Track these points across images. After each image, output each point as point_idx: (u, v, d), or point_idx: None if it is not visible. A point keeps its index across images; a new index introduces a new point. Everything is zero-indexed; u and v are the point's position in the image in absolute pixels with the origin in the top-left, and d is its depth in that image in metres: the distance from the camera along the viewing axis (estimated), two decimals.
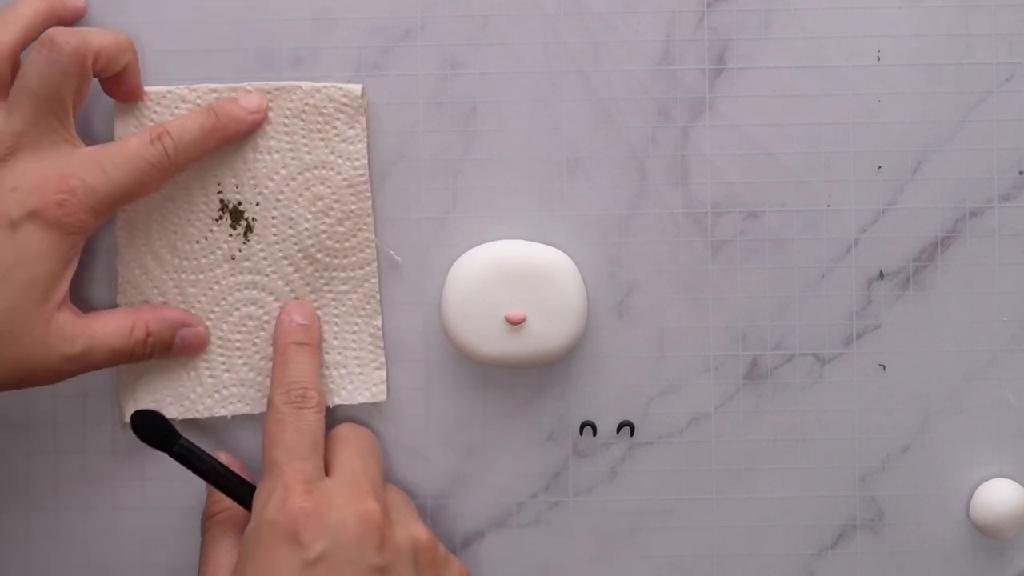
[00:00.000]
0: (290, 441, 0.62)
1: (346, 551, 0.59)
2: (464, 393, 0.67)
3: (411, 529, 0.62)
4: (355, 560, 0.60)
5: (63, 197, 0.61)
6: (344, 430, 0.65)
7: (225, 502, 0.64)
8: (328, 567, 0.59)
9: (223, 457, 0.64)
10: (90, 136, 0.66)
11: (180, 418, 0.66)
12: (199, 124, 0.64)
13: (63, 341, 0.62)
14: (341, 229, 0.66)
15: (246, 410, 0.66)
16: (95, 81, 0.64)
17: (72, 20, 0.65)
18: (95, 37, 0.62)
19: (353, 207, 0.66)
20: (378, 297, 0.66)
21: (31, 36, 0.63)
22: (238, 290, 0.66)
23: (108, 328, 0.63)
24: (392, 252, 0.66)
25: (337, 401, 0.66)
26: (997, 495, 0.65)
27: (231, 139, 0.65)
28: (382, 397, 0.66)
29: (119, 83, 0.64)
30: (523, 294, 0.64)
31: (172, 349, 0.65)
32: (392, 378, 0.66)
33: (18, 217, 0.61)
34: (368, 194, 0.66)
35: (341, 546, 0.59)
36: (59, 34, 0.61)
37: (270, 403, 0.63)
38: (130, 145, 0.63)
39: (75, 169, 0.62)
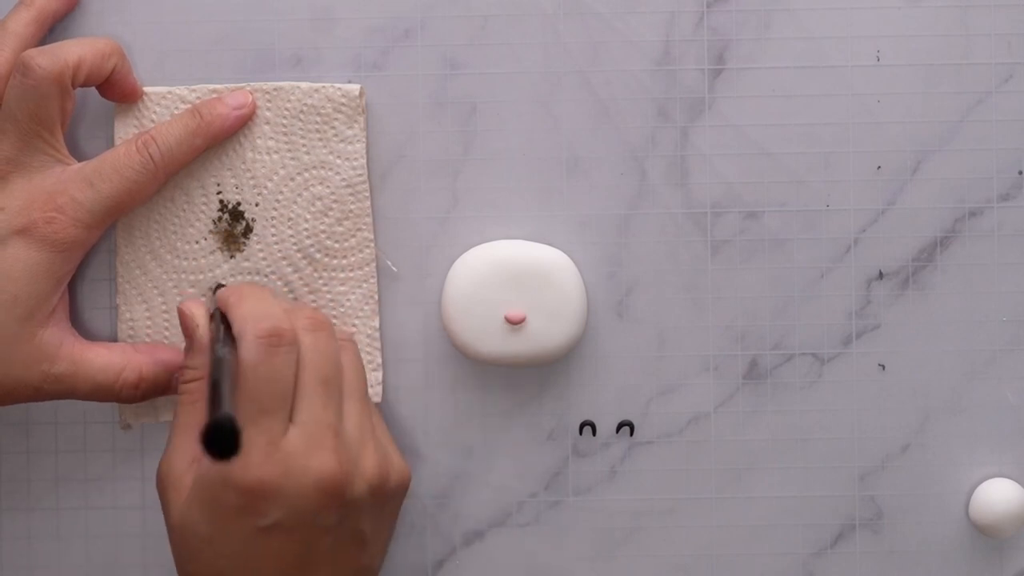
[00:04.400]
0: (259, 392, 0.58)
1: (302, 517, 0.58)
2: (464, 393, 0.67)
3: (367, 475, 0.60)
4: (310, 524, 0.59)
5: (52, 215, 0.61)
6: (307, 353, 0.60)
7: (200, 371, 0.61)
8: (281, 532, 0.58)
9: None
10: (91, 140, 0.66)
11: None
12: (183, 125, 0.64)
13: (45, 359, 0.62)
14: (340, 229, 0.66)
15: None
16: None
17: (64, 15, 0.65)
18: (72, 51, 0.62)
19: (352, 207, 0.66)
20: (376, 298, 0.66)
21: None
22: None
23: (97, 361, 0.63)
24: (389, 263, 0.66)
25: None
26: (996, 495, 0.65)
27: (218, 137, 0.65)
28: (377, 399, 0.66)
29: (112, 87, 0.64)
30: (523, 294, 0.64)
31: (168, 390, 0.65)
32: (392, 378, 0.66)
33: (5, 235, 0.61)
34: (367, 194, 0.66)
35: (298, 513, 0.58)
36: (32, 57, 0.61)
37: (239, 338, 0.59)
38: (116, 156, 0.63)
39: (63, 187, 0.62)
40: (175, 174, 0.65)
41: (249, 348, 0.59)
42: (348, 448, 0.60)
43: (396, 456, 0.63)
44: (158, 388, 0.64)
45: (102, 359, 0.63)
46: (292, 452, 0.58)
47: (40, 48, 0.62)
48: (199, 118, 0.64)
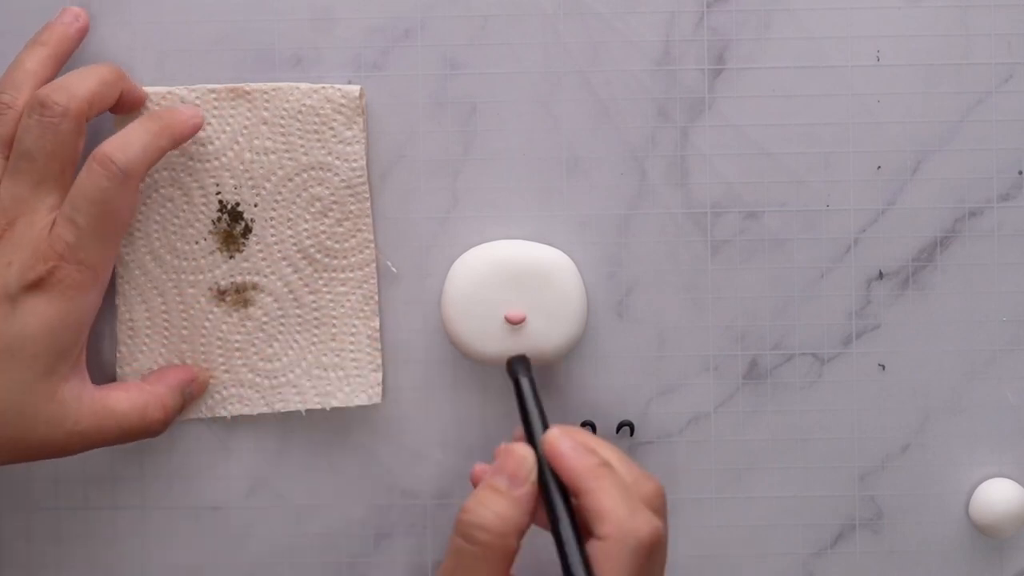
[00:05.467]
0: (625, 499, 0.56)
1: None
2: (464, 393, 0.67)
3: None
4: None
5: (54, 264, 0.60)
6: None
7: (509, 525, 0.57)
8: None
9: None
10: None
11: (181, 419, 0.66)
12: (144, 128, 0.62)
13: (68, 418, 0.61)
14: (340, 230, 0.66)
15: (245, 411, 0.66)
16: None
17: (74, 51, 0.65)
18: (83, 86, 0.61)
19: (352, 208, 0.66)
20: (376, 298, 0.66)
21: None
22: (237, 291, 0.66)
23: (119, 407, 0.62)
24: (389, 263, 0.66)
25: (334, 403, 0.66)
26: (996, 495, 0.65)
27: (178, 140, 0.63)
28: (378, 399, 0.66)
29: (119, 107, 0.64)
30: (523, 294, 0.64)
31: (184, 406, 0.65)
32: (392, 378, 0.66)
33: (16, 291, 0.59)
34: (366, 195, 0.66)
35: None
36: (48, 95, 0.60)
37: (616, 539, 0.56)
38: (82, 187, 0.60)
39: (57, 233, 0.60)
40: (142, 180, 0.63)
41: (632, 555, 0.55)
42: None
43: None
44: (177, 410, 0.64)
45: (124, 404, 0.62)
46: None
47: (51, 85, 0.61)
48: (159, 120, 0.62)
